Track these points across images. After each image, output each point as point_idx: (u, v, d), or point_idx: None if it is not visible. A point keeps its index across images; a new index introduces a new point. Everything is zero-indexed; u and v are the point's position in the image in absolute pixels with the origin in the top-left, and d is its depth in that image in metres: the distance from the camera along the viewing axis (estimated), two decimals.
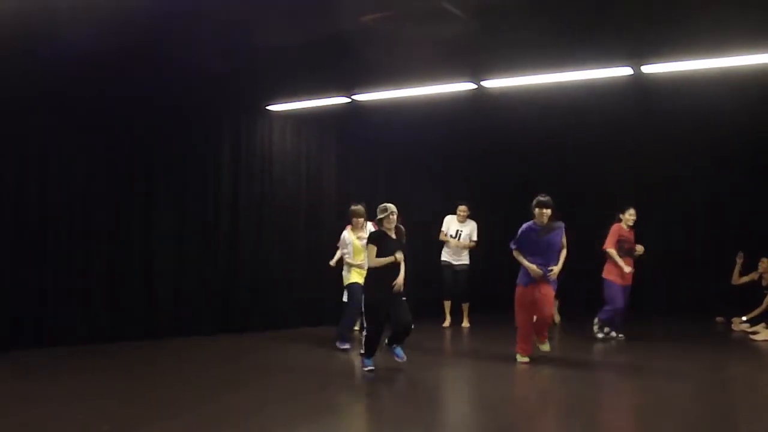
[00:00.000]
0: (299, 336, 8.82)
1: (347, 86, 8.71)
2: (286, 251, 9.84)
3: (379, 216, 6.50)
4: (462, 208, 10.14)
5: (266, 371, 6.72)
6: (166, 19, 6.45)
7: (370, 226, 7.76)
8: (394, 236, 6.46)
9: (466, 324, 10.21)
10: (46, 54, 7.07)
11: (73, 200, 7.72)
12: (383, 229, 6.48)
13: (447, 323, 10.12)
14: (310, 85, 8.74)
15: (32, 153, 7.39)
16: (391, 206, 6.51)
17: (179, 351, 7.69)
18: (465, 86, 8.22)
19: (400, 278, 6.37)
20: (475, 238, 10.12)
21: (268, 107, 9.65)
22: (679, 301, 12.08)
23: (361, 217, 7.95)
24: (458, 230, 10.10)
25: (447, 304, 10.23)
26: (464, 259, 10.14)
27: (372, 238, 6.53)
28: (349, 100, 9.00)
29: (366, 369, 6.44)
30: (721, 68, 7.01)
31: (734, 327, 10.09)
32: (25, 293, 7.27)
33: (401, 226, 6.54)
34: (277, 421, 4.90)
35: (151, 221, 8.43)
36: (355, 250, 7.87)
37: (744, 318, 9.97)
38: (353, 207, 7.99)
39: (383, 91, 8.63)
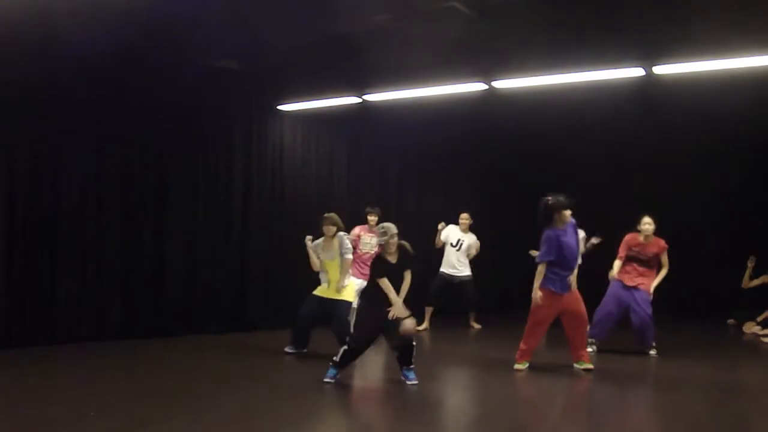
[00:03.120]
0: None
1: (358, 86, 8.72)
2: (296, 251, 9.83)
3: (379, 240, 6.10)
4: (464, 216, 9.79)
5: (276, 370, 6.74)
6: (178, 19, 6.49)
7: (344, 238, 7.25)
8: (393, 260, 6.03)
9: (476, 326, 10.14)
10: (58, 55, 7.12)
11: (86, 199, 7.77)
12: (385, 254, 6.04)
13: (423, 327, 9.51)
14: (321, 84, 8.76)
15: (45, 152, 7.45)
16: (392, 228, 6.04)
17: (190, 349, 7.72)
18: (476, 87, 8.21)
19: (398, 305, 5.85)
20: (473, 252, 9.76)
21: (279, 107, 9.67)
22: (689, 304, 12.01)
23: (333, 225, 7.23)
24: (459, 240, 9.77)
25: (429, 310, 9.82)
26: (466, 270, 9.81)
27: (373, 268, 6.11)
28: (360, 100, 9.01)
29: (325, 379, 5.91)
30: (735, 69, 6.96)
31: (745, 330, 10.04)
32: (37, 290, 7.33)
33: (405, 244, 6.08)
34: (285, 420, 4.92)
35: (163, 220, 8.47)
36: (313, 263, 7.36)
37: (758, 319, 9.92)
38: (326, 215, 7.37)
39: (394, 91, 8.64)
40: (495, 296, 11.94)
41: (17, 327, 7.16)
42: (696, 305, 11.93)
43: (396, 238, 6.03)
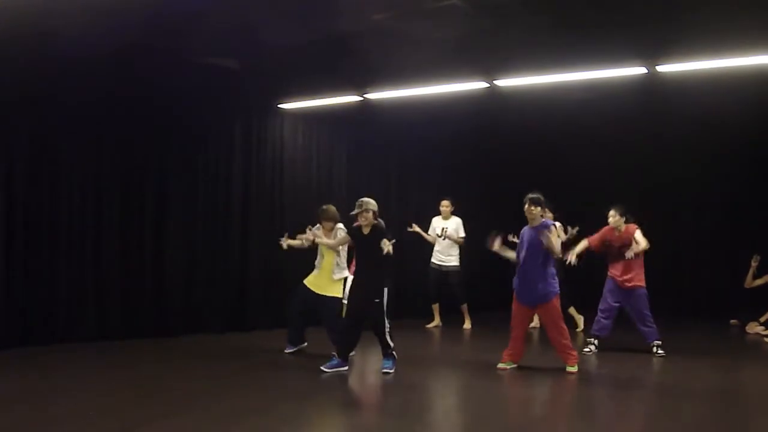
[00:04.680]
0: (309, 335, 8.82)
1: (359, 84, 8.70)
2: (296, 250, 9.83)
3: (354, 211, 6.54)
4: (445, 203, 9.78)
5: (276, 370, 6.72)
6: (179, 17, 6.48)
7: (339, 231, 7.18)
8: (365, 231, 6.52)
9: (467, 326, 9.95)
10: (58, 55, 7.10)
11: (86, 198, 7.77)
12: (360, 224, 6.57)
13: (433, 325, 9.92)
14: (322, 83, 8.74)
15: (45, 151, 7.44)
16: (367, 202, 6.49)
17: (190, 349, 7.70)
18: (477, 85, 8.19)
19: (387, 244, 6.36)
20: (462, 234, 9.72)
21: (279, 105, 9.65)
22: (693, 304, 11.98)
23: (331, 220, 7.17)
24: (443, 228, 9.76)
25: (435, 307, 10.00)
26: (453, 261, 9.73)
27: (349, 233, 6.74)
28: (360, 98, 8.99)
29: (323, 367, 6.47)
30: (738, 67, 6.93)
31: (749, 330, 10.00)
32: (37, 290, 7.32)
33: (379, 222, 6.50)
34: (285, 420, 4.90)
35: (163, 219, 8.45)
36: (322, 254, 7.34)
37: (761, 320, 9.88)
38: (324, 207, 7.26)
39: (395, 89, 8.62)
40: (495, 296, 11.88)
41: (17, 327, 7.14)
42: (699, 305, 11.90)
43: (369, 213, 6.45)
